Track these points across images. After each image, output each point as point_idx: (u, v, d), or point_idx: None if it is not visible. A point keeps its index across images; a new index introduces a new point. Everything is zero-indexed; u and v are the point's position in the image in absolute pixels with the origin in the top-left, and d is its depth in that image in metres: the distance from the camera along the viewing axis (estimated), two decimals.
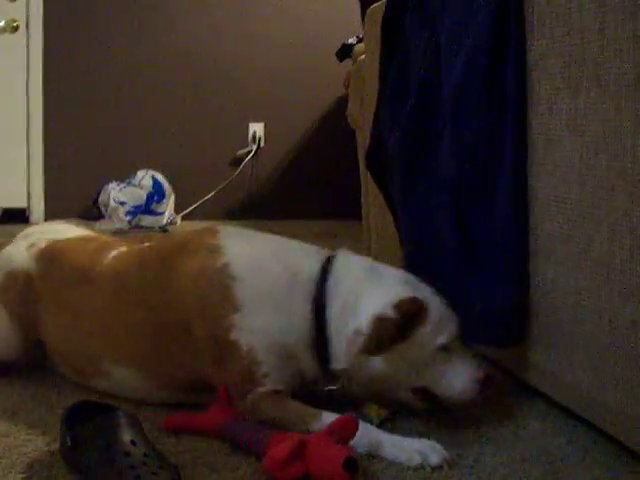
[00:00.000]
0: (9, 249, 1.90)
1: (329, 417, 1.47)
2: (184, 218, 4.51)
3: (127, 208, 4.24)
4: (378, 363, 1.54)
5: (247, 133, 4.69)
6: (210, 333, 1.56)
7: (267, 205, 4.65)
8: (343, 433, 1.40)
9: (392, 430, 1.54)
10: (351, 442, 1.42)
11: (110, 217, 4.23)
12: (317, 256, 1.64)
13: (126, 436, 1.31)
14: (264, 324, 1.55)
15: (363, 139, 2.66)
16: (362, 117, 2.73)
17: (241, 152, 4.67)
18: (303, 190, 4.66)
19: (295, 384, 1.59)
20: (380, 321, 1.50)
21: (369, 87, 2.50)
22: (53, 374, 1.83)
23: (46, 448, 1.46)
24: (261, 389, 1.53)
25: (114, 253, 1.77)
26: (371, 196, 2.68)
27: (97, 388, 1.72)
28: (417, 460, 1.41)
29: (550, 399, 1.67)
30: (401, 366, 1.55)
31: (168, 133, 4.57)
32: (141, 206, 4.27)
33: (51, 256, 1.82)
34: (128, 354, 1.67)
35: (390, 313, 1.51)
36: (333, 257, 1.63)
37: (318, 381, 1.61)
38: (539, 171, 1.57)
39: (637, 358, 1.32)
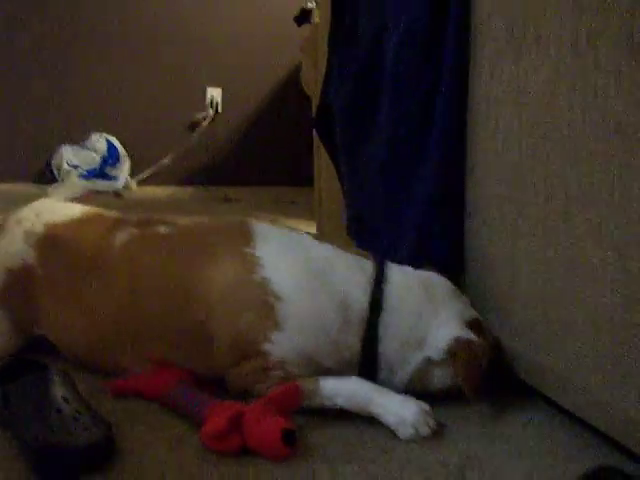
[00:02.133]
0: (4, 243, 1.72)
1: (330, 385, 1.46)
2: (140, 183, 4.47)
3: (81, 171, 4.20)
4: (445, 375, 1.53)
5: (204, 98, 4.65)
6: (238, 341, 1.50)
7: (224, 171, 4.63)
8: (284, 403, 1.39)
9: None
10: (340, 400, 1.43)
11: (63, 181, 4.17)
12: (365, 280, 1.55)
13: (58, 393, 1.30)
14: (304, 345, 1.50)
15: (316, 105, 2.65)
16: (316, 83, 2.72)
17: (198, 117, 4.63)
18: (260, 156, 4.64)
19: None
20: (460, 344, 1.49)
21: (322, 52, 2.48)
22: None
23: None
24: (270, 373, 1.49)
25: (124, 236, 1.65)
26: (323, 162, 2.68)
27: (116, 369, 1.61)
28: (409, 433, 1.40)
29: None
30: None
31: (124, 96, 4.52)
32: (95, 170, 4.23)
33: (51, 242, 1.69)
34: (136, 348, 1.59)
35: (469, 335, 1.51)
36: (382, 282, 1.56)
37: None
38: (480, 134, 1.58)
39: (573, 323, 1.33)
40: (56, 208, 1.81)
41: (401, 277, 1.59)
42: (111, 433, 1.28)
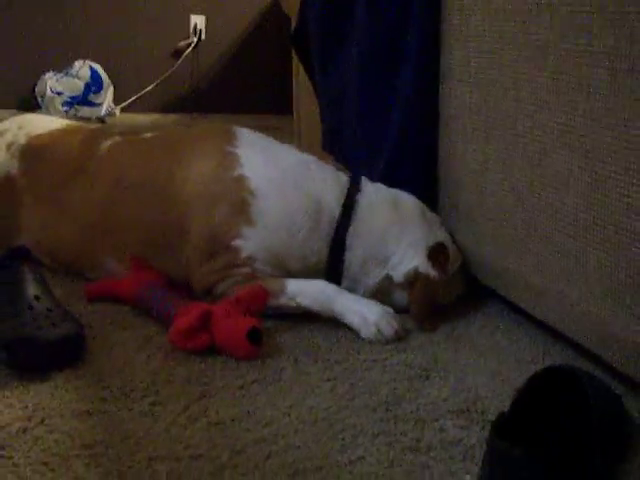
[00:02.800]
0: None
1: (294, 286, 1.49)
2: (123, 110, 4.44)
3: (64, 98, 4.16)
4: (402, 298, 1.57)
5: (188, 25, 4.60)
6: (211, 234, 1.53)
7: (207, 98, 4.59)
8: (251, 303, 1.41)
9: None
10: (305, 301, 1.47)
11: (47, 108, 4.14)
12: (339, 189, 1.59)
13: (30, 291, 1.32)
14: (274, 243, 1.53)
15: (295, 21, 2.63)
16: (295, 3, 2.69)
17: (182, 44, 4.59)
18: (244, 84, 4.61)
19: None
20: (418, 275, 1.54)
21: None
22: None
23: None
24: (234, 278, 1.52)
25: (108, 143, 1.68)
26: (302, 88, 2.67)
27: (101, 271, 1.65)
28: (371, 332, 1.43)
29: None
30: None
31: (108, 24, 4.46)
32: (78, 96, 4.19)
33: (34, 152, 1.72)
34: (120, 248, 1.61)
35: (428, 269, 1.54)
36: (355, 193, 1.60)
37: None
38: (452, 42, 1.58)
39: (539, 227, 1.34)
40: (38, 121, 1.84)
41: (374, 191, 1.62)
42: (81, 330, 1.30)
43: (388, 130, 1.75)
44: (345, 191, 1.59)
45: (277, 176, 1.57)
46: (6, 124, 1.81)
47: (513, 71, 1.37)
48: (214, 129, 1.67)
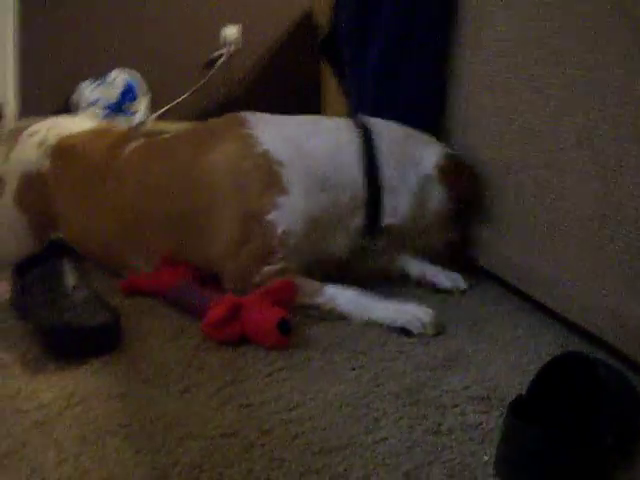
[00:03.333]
0: (18, 150, 1.85)
1: (332, 289, 1.54)
2: (158, 118, 4.51)
3: (100, 106, 4.25)
4: (441, 194, 1.70)
5: (222, 35, 4.68)
6: (245, 213, 1.57)
7: (240, 107, 4.65)
8: (280, 296, 1.46)
9: None
10: (341, 301, 1.51)
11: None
12: (348, 124, 1.71)
13: (69, 281, 1.38)
14: (310, 205, 1.60)
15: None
16: (325, 12, 2.75)
17: (216, 54, 4.66)
18: (275, 93, 4.68)
19: (316, 265, 1.64)
20: (450, 156, 1.70)
21: None
22: None
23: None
24: (270, 268, 1.56)
25: (134, 144, 1.75)
26: (331, 94, 2.73)
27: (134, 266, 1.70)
28: (417, 327, 1.48)
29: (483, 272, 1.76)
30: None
31: (143, 33, 4.55)
32: (114, 104, 4.28)
33: (64, 152, 1.80)
34: (148, 247, 1.67)
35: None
36: (364, 120, 1.72)
37: (347, 260, 1.70)
38: (473, 46, 1.62)
39: (560, 224, 1.38)
40: (68, 122, 1.93)
41: (379, 120, 1.75)
42: (117, 318, 1.36)
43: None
44: (354, 123, 1.70)
45: (293, 140, 1.64)
46: (37, 126, 1.89)
47: (531, 74, 1.41)
48: (227, 118, 1.74)
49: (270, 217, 1.56)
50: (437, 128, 1.78)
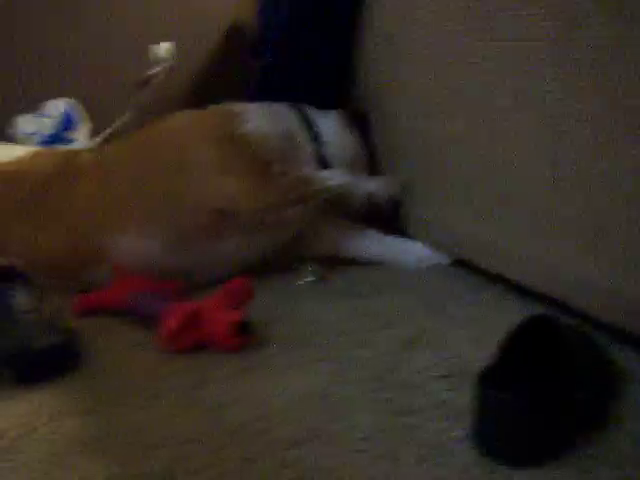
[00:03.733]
0: None
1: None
2: (104, 142, 4.47)
3: (38, 139, 4.18)
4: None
5: (157, 54, 4.65)
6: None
7: None
8: (236, 296, 1.44)
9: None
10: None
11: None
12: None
13: (19, 306, 1.35)
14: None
15: None
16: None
17: (153, 72, 4.63)
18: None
19: None
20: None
21: None
22: None
23: None
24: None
25: (88, 155, 1.77)
26: None
27: (86, 281, 1.67)
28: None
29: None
30: None
31: (77, 58, 4.50)
32: (52, 135, 4.22)
33: (6, 177, 1.78)
34: (137, 218, 1.66)
35: None
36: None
37: None
38: (402, 25, 1.62)
39: (507, 193, 1.39)
40: (3, 149, 1.96)
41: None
42: (72, 337, 1.33)
43: None
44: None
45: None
46: None
47: (461, 45, 1.42)
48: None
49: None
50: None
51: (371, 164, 1.93)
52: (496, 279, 1.55)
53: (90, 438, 1.08)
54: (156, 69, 4.62)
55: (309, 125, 1.86)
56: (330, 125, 1.89)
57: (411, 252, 1.76)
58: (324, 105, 1.92)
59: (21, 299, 1.37)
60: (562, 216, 1.26)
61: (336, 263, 1.80)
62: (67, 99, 4.31)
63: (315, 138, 1.85)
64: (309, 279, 1.69)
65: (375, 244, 1.78)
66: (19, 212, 1.73)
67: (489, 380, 0.99)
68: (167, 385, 1.24)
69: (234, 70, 4.59)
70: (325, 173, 1.76)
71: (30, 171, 1.77)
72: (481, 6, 1.35)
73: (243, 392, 1.20)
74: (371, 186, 1.77)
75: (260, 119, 1.75)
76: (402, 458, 1.00)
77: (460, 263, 1.69)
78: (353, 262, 1.79)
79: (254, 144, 1.70)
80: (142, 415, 1.14)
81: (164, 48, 4.59)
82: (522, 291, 1.48)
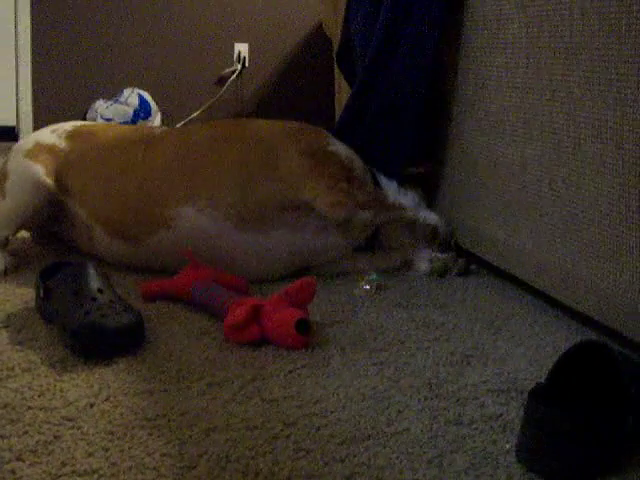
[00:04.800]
0: (29, 135, 2.01)
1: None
2: None
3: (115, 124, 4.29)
4: None
5: (232, 53, 4.73)
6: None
7: None
8: (299, 296, 1.48)
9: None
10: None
11: None
12: None
13: (94, 284, 1.41)
14: None
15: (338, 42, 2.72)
16: (336, 24, 2.79)
17: (226, 71, 4.71)
18: (285, 110, 4.72)
19: None
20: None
21: None
22: (34, 248, 1.94)
23: (23, 305, 1.57)
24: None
25: (168, 129, 1.94)
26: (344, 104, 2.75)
27: (150, 247, 1.79)
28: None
29: (495, 267, 1.78)
30: None
31: (155, 52, 4.61)
32: (127, 123, 4.32)
33: (81, 135, 1.95)
34: (209, 193, 1.76)
35: None
36: None
37: None
38: (492, 49, 1.65)
39: (576, 218, 1.40)
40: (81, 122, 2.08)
41: None
42: (141, 319, 1.38)
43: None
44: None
45: None
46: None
47: (548, 72, 1.44)
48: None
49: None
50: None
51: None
52: (554, 301, 1.56)
53: (149, 417, 1.13)
54: (233, 68, 4.71)
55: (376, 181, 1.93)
56: (394, 189, 1.93)
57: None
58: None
59: (94, 278, 1.42)
60: (626, 248, 1.28)
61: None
62: (140, 90, 4.43)
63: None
64: (367, 287, 1.72)
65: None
66: (98, 170, 1.86)
67: (540, 397, 1.01)
68: (228, 374, 1.28)
69: (308, 78, 4.66)
70: (399, 197, 1.87)
71: (107, 132, 1.94)
72: (569, 38, 1.36)
73: (300, 388, 1.24)
74: (433, 219, 1.90)
75: (345, 147, 1.88)
76: (449, 465, 1.03)
77: (518, 283, 1.70)
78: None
79: (342, 159, 1.83)
80: (202, 400, 1.18)
81: (242, 47, 4.68)
82: (578, 315, 1.49)
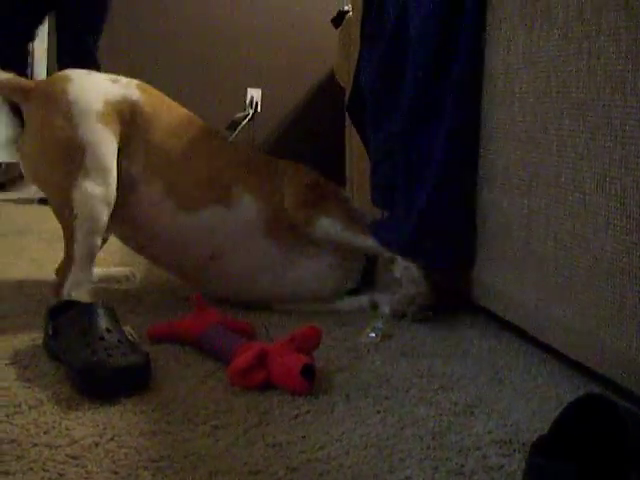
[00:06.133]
0: (84, 84, 1.82)
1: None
2: None
3: None
4: None
5: (245, 98, 4.79)
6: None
7: None
8: (305, 342, 1.49)
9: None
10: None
11: None
12: None
13: (102, 324, 1.42)
14: None
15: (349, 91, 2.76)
16: (349, 73, 2.83)
17: (238, 116, 4.77)
18: (297, 155, 4.76)
19: None
20: None
21: (355, 43, 2.60)
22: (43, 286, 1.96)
23: (31, 342, 1.58)
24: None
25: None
26: (355, 155, 2.79)
27: (201, 220, 1.88)
28: None
29: (500, 318, 1.79)
30: None
31: (168, 96, 4.66)
32: None
33: (152, 91, 1.97)
34: (256, 185, 1.91)
35: None
36: None
37: None
38: (499, 102, 1.68)
39: (580, 273, 1.42)
40: None
41: None
42: (148, 360, 1.39)
43: (424, 187, 1.87)
44: None
45: None
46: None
47: (554, 127, 1.47)
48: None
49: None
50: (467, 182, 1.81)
51: None
52: (558, 354, 1.57)
53: (154, 458, 1.13)
54: (242, 114, 4.77)
55: None
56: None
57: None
58: None
59: (103, 318, 1.44)
60: (629, 305, 1.29)
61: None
62: None
63: None
64: (372, 336, 1.74)
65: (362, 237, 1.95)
66: (172, 130, 1.90)
67: (542, 450, 1.02)
68: (233, 418, 1.29)
69: (320, 124, 4.71)
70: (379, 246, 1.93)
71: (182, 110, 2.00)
72: (576, 94, 1.39)
73: (304, 433, 1.24)
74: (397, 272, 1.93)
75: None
76: None
77: (522, 334, 1.71)
78: None
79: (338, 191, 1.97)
80: (206, 443, 1.19)
81: (255, 92, 4.74)
82: (582, 368, 1.50)
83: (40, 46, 4.46)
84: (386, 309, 1.94)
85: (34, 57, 4.39)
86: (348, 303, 1.98)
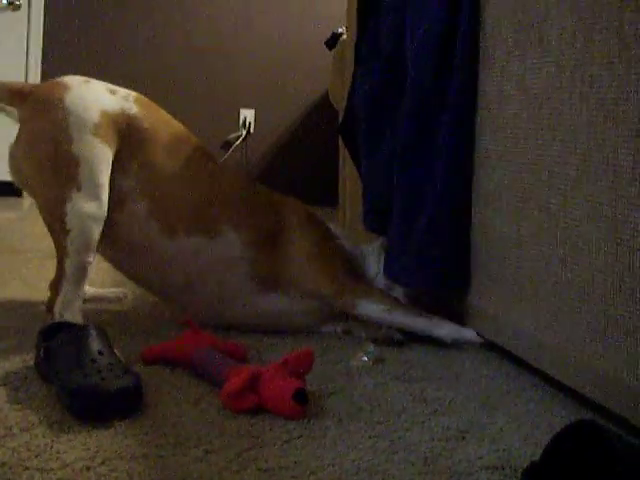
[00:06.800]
0: (83, 92, 1.78)
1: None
2: None
3: None
4: None
5: (238, 118, 4.81)
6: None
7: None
8: (298, 366, 1.49)
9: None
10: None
11: None
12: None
13: (94, 346, 1.42)
14: None
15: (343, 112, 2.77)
16: (343, 96, 2.84)
17: (231, 136, 4.78)
18: (290, 176, 4.78)
19: None
20: None
21: (349, 65, 2.61)
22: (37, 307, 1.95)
23: (22, 364, 1.58)
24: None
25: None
26: (348, 178, 2.80)
27: (182, 247, 1.85)
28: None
29: (494, 346, 1.80)
30: None
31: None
32: None
33: (150, 105, 1.90)
34: (243, 222, 1.88)
35: None
36: None
37: None
38: (492, 128, 1.69)
39: (572, 298, 1.43)
40: None
41: None
42: (140, 383, 1.39)
43: (423, 210, 1.87)
44: None
45: None
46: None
47: (546, 153, 1.48)
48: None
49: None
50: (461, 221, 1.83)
51: None
52: (550, 379, 1.58)
53: None
54: (235, 134, 4.79)
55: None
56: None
57: (444, 326, 1.87)
58: None
59: (96, 340, 1.43)
60: (620, 330, 1.29)
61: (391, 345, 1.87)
62: None
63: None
64: (364, 359, 1.74)
65: (410, 315, 1.89)
66: (166, 151, 1.84)
67: (534, 476, 1.02)
68: (224, 442, 1.28)
69: (313, 145, 4.72)
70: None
71: (177, 126, 1.94)
72: (568, 121, 1.40)
73: (296, 458, 1.24)
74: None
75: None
76: None
77: (514, 359, 1.72)
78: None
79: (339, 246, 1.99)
80: (198, 467, 1.19)
81: (248, 113, 4.75)
82: (574, 394, 1.50)
83: (35, 50, 4.47)
84: (362, 333, 1.94)
85: (28, 61, 4.41)
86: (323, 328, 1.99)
